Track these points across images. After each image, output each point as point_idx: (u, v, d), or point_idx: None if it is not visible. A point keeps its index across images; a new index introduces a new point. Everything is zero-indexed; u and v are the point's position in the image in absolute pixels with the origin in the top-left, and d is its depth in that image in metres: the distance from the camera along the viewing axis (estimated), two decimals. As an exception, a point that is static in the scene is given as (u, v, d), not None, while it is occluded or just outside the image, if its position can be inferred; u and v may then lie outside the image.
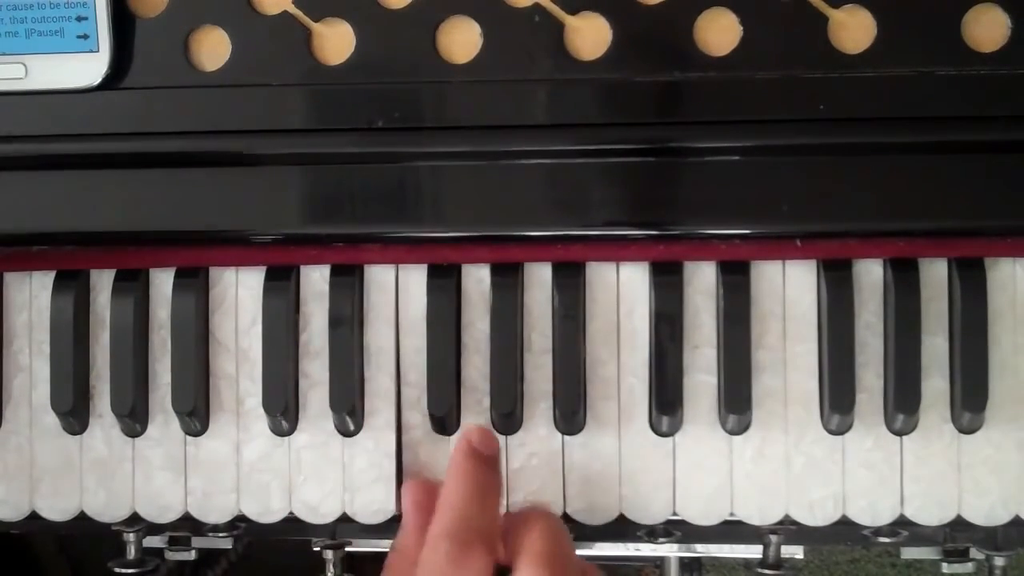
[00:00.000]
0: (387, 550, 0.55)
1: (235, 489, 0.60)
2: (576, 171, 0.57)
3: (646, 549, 0.61)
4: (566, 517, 0.59)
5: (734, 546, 0.61)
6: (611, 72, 0.56)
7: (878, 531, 0.58)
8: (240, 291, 0.60)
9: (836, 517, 0.57)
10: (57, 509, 0.61)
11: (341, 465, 0.59)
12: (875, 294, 0.57)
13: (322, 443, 0.60)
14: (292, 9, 0.57)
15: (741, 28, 0.56)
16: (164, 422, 0.60)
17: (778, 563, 0.59)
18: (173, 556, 0.63)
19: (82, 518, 0.61)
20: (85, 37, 0.57)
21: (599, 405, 0.58)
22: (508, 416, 0.58)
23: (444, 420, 0.58)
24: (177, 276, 0.60)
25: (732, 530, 0.59)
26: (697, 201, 0.56)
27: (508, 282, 0.58)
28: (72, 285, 0.60)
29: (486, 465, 0.56)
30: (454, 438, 0.59)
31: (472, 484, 0.54)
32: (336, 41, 0.57)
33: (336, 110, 0.57)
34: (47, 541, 0.88)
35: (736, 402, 0.56)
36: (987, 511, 0.57)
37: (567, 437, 0.59)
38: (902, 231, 0.57)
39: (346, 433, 0.59)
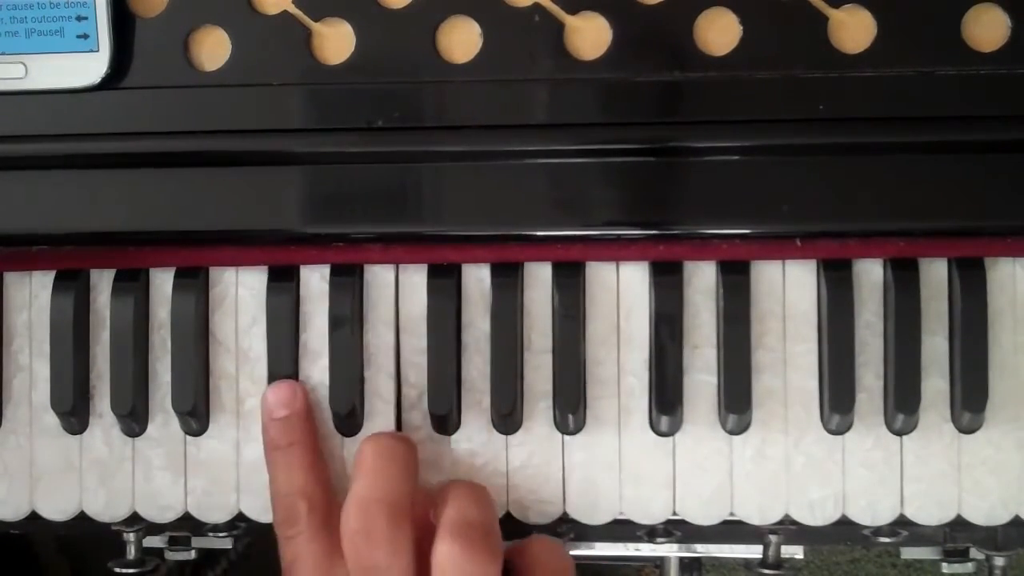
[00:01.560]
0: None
1: (235, 489, 0.60)
2: (576, 171, 0.57)
3: (646, 549, 0.61)
4: (566, 517, 0.59)
5: (734, 546, 0.61)
6: (611, 72, 0.56)
7: (878, 531, 0.58)
8: (240, 291, 0.60)
9: (836, 517, 0.57)
10: (57, 509, 0.61)
11: (342, 464, 0.59)
12: (875, 294, 0.57)
13: (322, 442, 0.59)
14: (292, 9, 0.57)
15: (741, 28, 0.56)
16: (164, 422, 0.60)
17: (778, 563, 0.59)
18: (173, 556, 0.63)
19: (82, 518, 0.61)
20: (85, 37, 0.57)
21: (599, 405, 0.58)
22: (508, 416, 0.58)
23: (445, 420, 0.58)
24: (177, 276, 0.60)
25: (732, 530, 0.59)
26: (697, 201, 0.56)
27: (508, 282, 0.58)
28: (72, 285, 0.60)
29: (282, 428, 0.57)
30: (454, 438, 0.59)
31: (273, 456, 0.57)
32: (336, 41, 0.57)
33: (336, 110, 0.57)
34: (47, 541, 0.88)
35: (736, 402, 0.56)
36: (987, 511, 0.57)
37: (567, 437, 0.59)
38: (902, 231, 0.57)
39: (346, 433, 0.59)
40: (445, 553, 0.51)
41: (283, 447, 0.57)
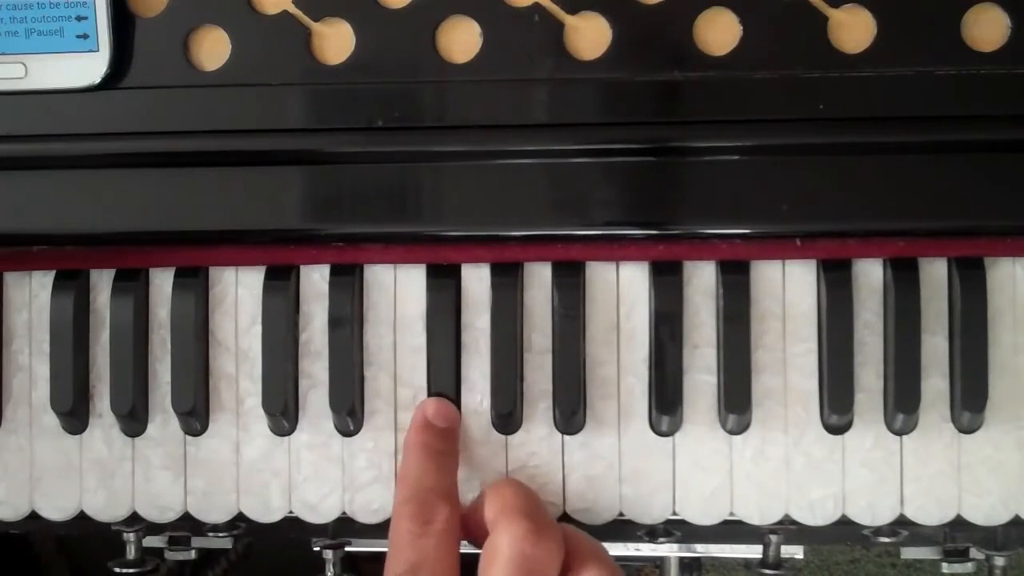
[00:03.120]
0: (387, 550, 0.55)
1: (235, 489, 0.60)
2: (576, 171, 0.57)
3: (646, 549, 0.61)
4: (566, 517, 0.59)
5: (734, 546, 0.61)
6: (611, 72, 0.56)
7: (878, 531, 0.58)
8: (240, 291, 0.60)
9: (836, 517, 0.57)
10: (57, 509, 0.61)
11: (341, 465, 0.59)
12: (875, 294, 0.57)
13: (322, 443, 0.60)
14: (292, 9, 0.57)
15: (741, 28, 0.56)
16: (164, 422, 0.60)
17: (778, 563, 0.59)
18: (173, 556, 0.63)
19: (82, 518, 0.61)
20: (85, 37, 0.57)
21: (599, 405, 0.58)
22: (508, 416, 0.58)
23: (444, 420, 0.58)
24: (177, 276, 0.60)
25: (732, 530, 0.59)
26: (697, 201, 0.56)
27: (508, 282, 0.58)
28: (72, 285, 0.60)
29: (439, 436, 0.57)
30: (454, 438, 0.59)
31: (424, 453, 0.56)
32: (336, 41, 0.57)
33: (336, 110, 0.57)
34: (47, 541, 0.88)
35: (736, 402, 0.56)
36: (987, 511, 0.57)
37: (567, 437, 0.59)
38: (902, 231, 0.57)
39: (346, 433, 0.59)
40: (511, 533, 0.50)
41: (439, 451, 0.57)
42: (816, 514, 0.57)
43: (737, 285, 0.57)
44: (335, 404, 0.58)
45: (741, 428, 0.57)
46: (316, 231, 0.58)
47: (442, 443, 0.57)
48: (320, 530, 0.60)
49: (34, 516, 0.61)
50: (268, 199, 0.58)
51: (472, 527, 0.54)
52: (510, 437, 0.59)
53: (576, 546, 0.53)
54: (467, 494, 0.58)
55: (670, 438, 0.58)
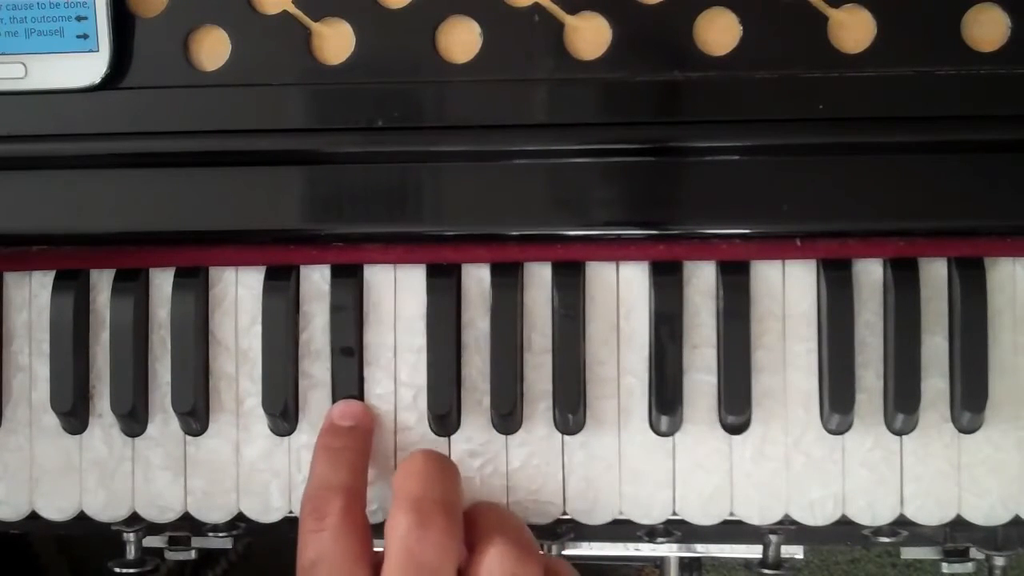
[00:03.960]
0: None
1: (235, 489, 0.60)
2: (576, 171, 0.57)
3: (646, 549, 0.61)
4: (566, 517, 0.59)
5: (734, 546, 0.61)
6: (611, 72, 0.56)
7: (878, 531, 0.58)
8: (240, 291, 0.60)
9: (836, 517, 0.57)
10: (57, 509, 0.61)
11: (341, 465, 0.59)
12: (875, 294, 0.57)
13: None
14: (292, 9, 0.57)
15: (741, 28, 0.56)
16: (164, 422, 0.60)
17: (778, 563, 0.60)
18: (173, 556, 0.63)
19: (82, 518, 0.61)
20: (85, 37, 0.57)
21: (599, 405, 0.58)
22: (508, 416, 0.58)
23: (444, 420, 0.58)
24: (177, 276, 0.60)
25: (732, 530, 0.59)
26: (697, 201, 0.56)
27: (508, 282, 0.58)
28: (72, 285, 0.60)
29: (341, 434, 0.57)
30: (454, 438, 0.59)
31: (322, 455, 0.57)
32: (336, 41, 0.57)
33: (336, 110, 0.57)
34: (47, 541, 0.88)
35: (736, 402, 0.56)
36: (987, 511, 0.57)
37: (567, 437, 0.59)
38: (902, 231, 0.57)
39: (346, 433, 0.59)
40: (495, 556, 0.51)
41: (335, 448, 0.57)
42: (816, 514, 0.57)
43: (737, 285, 0.57)
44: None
45: (741, 428, 0.57)
46: (316, 231, 0.58)
47: (341, 441, 0.57)
48: (320, 530, 0.60)
49: (34, 516, 0.61)
50: (268, 199, 0.58)
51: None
52: (510, 437, 0.59)
53: (476, 521, 0.53)
54: (467, 494, 0.58)
55: (670, 438, 0.58)
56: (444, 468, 0.55)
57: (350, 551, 0.53)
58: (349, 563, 0.53)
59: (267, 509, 0.60)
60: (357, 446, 0.58)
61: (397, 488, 0.53)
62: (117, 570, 0.61)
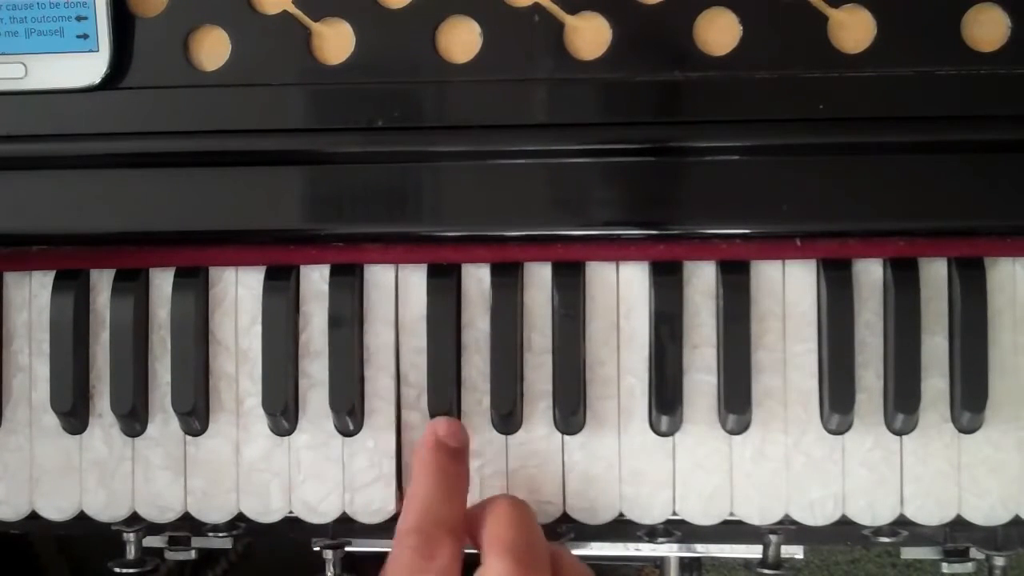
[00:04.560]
0: (387, 550, 0.55)
1: (235, 489, 0.60)
2: (576, 171, 0.57)
3: (646, 549, 0.61)
4: (566, 517, 0.59)
5: (734, 546, 0.61)
6: (611, 72, 0.56)
7: (878, 531, 0.58)
8: (240, 291, 0.60)
9: (836, 517, 0.57)
10: (57, 509, 0.61)
11: (341, 465, 0.59)
12: (875, 294, 0.57)
13: (322, 443, 0.60)
14: (292, 9, 0.57)
15: (741, 28, 0.56)
16: (164, 422, 0.60)
17: (778, 563, 0.59)
18: (173, 556, 0.63)
19: (82, 518, 0.61)
20: (85, 37, 0.57)
21: (599, 405, 0.58)
22: (508, 416, 0.58)
23: (444, 420, 0.58)
24: (177, 276, 0.60)
25: (732, 530, 0.59)
26: (697, 201, 0.56)
27: (508, 282, 0.58)
28: (72, 285, 0.60)
29: (452, 457, 0.56)
30: (454, 438, 0.59)
31: (436, 477, 0.54)
32: (336, 41, 0.57)
33: (336, 110, 0.57)
34: (47, 541, 0.88)
35: (736, 402, 0.56)
36: (987, 511, 0.57)
37: (567, 437, 0.59)
38: (902, 231, 0.57)
39: (346, 433, 0.59)
40: (496, 570, 0.49)
41: (452, 474, 0.55)
42: (816, 514, 0.57)
43: (737, 285, 0.57)
44: (335, 404, 0.58)
45: (741, 428, 0.57)
46: (316, 231, 0.58)
47: (453, 466, 0.55)
48: (320, 530, 0.60)
49: (34, 516, 0.61)
50: (268, 199, 0.58)
51: (469, 530, 0.54)
52: (510, 437, 0.59)
53: (485, 524, 0.52)
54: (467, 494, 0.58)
55: (670, 438, 0.58)
56: (532, 514, 0.53)
57: None
58: None
59: (267, 509, 0.60)
60: (467, 473, 0.56)
61: (496, 528, 0.51)
62: (117, 570, 0.61)
